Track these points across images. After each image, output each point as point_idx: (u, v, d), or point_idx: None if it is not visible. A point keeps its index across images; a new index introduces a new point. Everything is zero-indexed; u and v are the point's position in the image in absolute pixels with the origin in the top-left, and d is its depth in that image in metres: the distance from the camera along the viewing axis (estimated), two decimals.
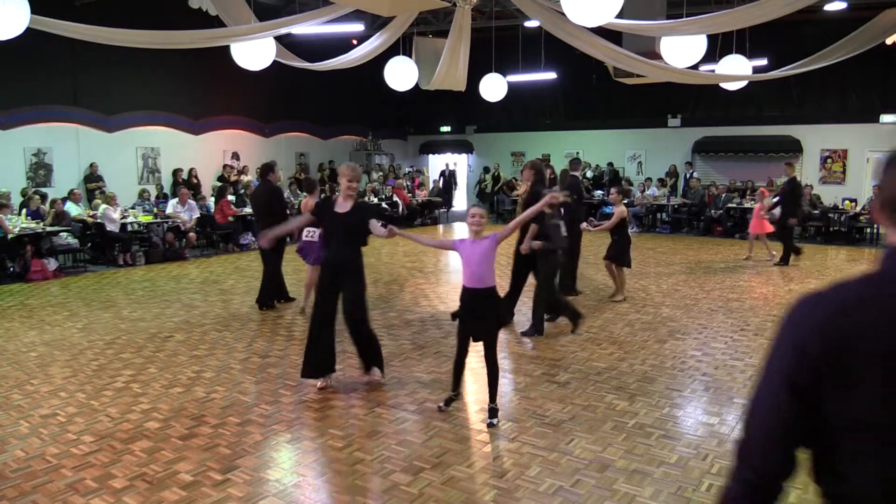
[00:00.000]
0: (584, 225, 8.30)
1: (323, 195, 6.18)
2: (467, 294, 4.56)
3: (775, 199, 11.51)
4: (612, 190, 8.63)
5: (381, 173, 19.38)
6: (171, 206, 12.70)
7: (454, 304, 8.35)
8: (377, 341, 5.36)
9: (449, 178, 20.63)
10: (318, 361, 5.15)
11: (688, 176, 17.15)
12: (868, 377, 1.21)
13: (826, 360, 1.23)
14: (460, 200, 21.82)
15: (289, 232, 6.53)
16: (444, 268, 11.44)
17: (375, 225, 5.02)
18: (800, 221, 11.19)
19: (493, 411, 4.58)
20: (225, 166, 16.20)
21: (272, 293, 8.25)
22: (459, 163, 22.58)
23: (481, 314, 4.54)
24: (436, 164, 22.74)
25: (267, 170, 8.27)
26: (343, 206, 5.08)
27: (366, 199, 16.81)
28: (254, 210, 9.42)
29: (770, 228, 11.47)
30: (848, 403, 1.23)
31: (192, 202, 12.88)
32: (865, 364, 1.21)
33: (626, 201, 9.57)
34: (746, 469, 1.35)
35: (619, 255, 8.30)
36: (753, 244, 11.81)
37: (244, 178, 15.72)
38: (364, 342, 5.25)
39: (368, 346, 5.27)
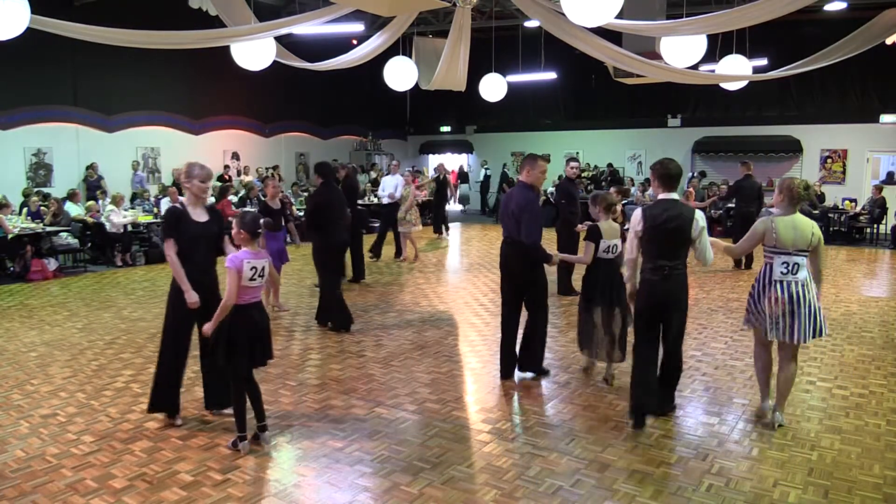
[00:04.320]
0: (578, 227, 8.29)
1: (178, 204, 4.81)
2: None
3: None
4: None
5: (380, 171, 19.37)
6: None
7: (454, 304, 8.40)
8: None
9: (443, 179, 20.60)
10: (174, 397, 4.53)
11: (690, 176, 17.13)
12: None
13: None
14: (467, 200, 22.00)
15: None
16: (444, 268, 11.44)
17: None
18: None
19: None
20: (226, 167, 16.20)
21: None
22: (457, 163, 22.55)
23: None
24: (435, 163, 22.70)
25: (330, 172, 6.98)
26: (199, 213, 4.39)
27: (366, 198, 16.80)
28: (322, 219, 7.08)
29: None
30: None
31: None
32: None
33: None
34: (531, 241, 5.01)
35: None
36: None
37: (245, 178, 15.71)
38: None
39: (222, 374, 4.34)
